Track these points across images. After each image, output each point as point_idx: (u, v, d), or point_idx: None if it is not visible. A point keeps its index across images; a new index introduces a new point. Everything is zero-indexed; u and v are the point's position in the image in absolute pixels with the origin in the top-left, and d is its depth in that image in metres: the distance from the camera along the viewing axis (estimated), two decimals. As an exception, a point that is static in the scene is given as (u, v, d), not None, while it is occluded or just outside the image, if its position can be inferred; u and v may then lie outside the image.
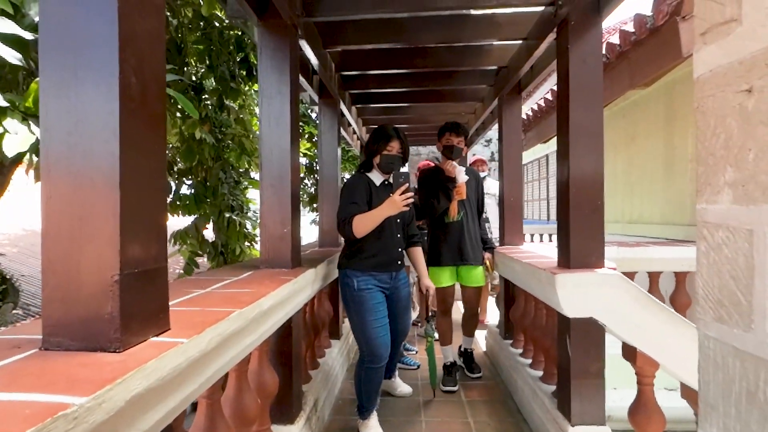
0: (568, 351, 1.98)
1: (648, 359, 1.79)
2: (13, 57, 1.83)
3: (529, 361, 2.76)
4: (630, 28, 3.49)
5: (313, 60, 2.69)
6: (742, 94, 0.48)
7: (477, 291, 3.03)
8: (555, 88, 4.76)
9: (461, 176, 2.88)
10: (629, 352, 1.85)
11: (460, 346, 3.30)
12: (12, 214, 10.92)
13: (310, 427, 2.11)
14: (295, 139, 2.08)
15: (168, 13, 3.53)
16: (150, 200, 0.88)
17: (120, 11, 0.80)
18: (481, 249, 3.05)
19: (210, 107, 4.28)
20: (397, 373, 2.87)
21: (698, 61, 0.54)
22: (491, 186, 4.57)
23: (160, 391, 0.79)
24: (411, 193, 2.10)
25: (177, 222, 4.74)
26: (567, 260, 2.01)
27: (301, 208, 9.15)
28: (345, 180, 2.36)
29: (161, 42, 0.92)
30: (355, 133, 5.15)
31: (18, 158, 2.36)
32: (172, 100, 3.34)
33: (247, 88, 4.63)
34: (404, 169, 2.36)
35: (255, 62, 4.15)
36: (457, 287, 3.07)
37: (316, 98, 3.42)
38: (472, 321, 3.16)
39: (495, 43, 3.11)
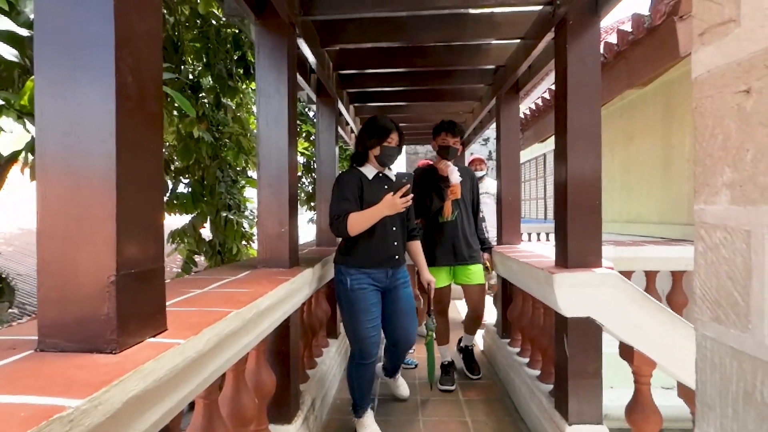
0: (566, 350, 1.98)
1: (645, 358, 1.79)
2: (9, 54, 1.82)
3: (527, 360, 2.77)
4: (628, 27, 3.50)
5: (311, 59, 2.68)
6: (740, 95, 0.48)
7: (480, 289, 2.99)
8: (553, 87, 4.77)
9: (454, 176, 2.87)
10: (626, 352, 1.85)
11: (459, 341, 3.29)
12: (7, 212, 10.88)
13: (307, 426, 2.11)
14: (293, 139, 2.07)
15: (165, 11, 3.52)
16: (147, 200, 0.88)
17: (116, 10, 0.80)
18: (479, 248, 3.05)
19: (207, 106, 4.27)
20: (400, 372, 2.79)
21: (696, 61, 0.54)
22: (490, 185, 4.57)
23: (157, 392, 0.79)
24: (411, 195, 2.08)
25: (174, 221, 4.73)
26: (565, 260, 2.02)
27: (299, 207, 9.17)
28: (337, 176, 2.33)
29: (158, 41, 0.92)
30: (353, 131, 5.15)
31: (13, 157, 2.34)
32: (168, 99, 3.34)
33: (244, 86, 4.62)
34: (401, 168, 2.34)
35: (252, 60, 4.14)
36: (457, 288, 3.07)
37: (313, 97, 3.42)
38: (475, 322, 3.12)
39: (493, 42, 3.11)
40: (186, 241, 4.44)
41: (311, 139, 7.91)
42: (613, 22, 7.34)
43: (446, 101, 4.48)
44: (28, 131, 1.88)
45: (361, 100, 4.44)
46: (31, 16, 1.97)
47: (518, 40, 2.81)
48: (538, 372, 2.56)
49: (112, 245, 0.78)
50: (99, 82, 0.79)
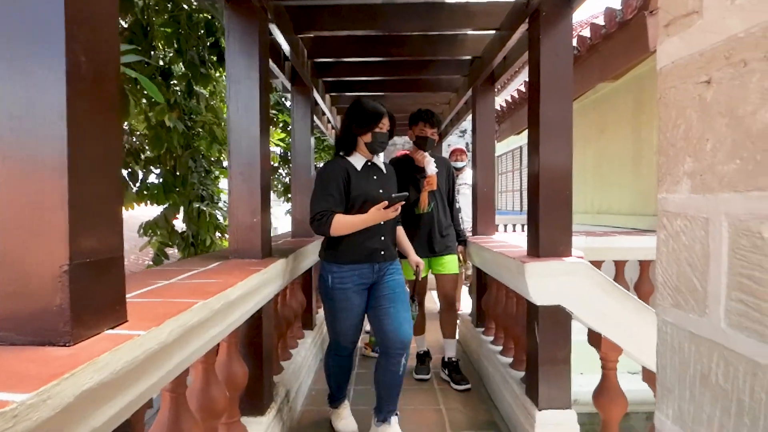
0: (537, 338, 2.02)
1: (612, 345, 1.84)
2: None
3: (500, 348, 2.82)
4: (601, 21, 3.55)
5: (285, 45, 2.62)
6: (701, 85, 0.48)
7: (452, 279, 2.98)
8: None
9: (431, 167, 2.83)
10: (595, 338, 1.90)
11: (443, 358, 3.00)
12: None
13: (281, 418, 2.09)
14: (265, 126, 2.02)
15: (132, -7, 3.37)
16: (103, 187, 0.84)
17: (68, -15, 0.75)
18: (455, 239, 3.05)
19: (179, 93, 4.13)
20: (396, 419, 2.15)
21: (661, 52, 0.55)
22: (470, 176, 4.59)
23: (114, 385, 0.76)
24: (402, 203, 1.98)
25: (146, 212, 4.60)
26: (536, 249, 2.05)
27: (276, 198, 9.04)
28: (318, 167, 2.22)
29: (114, 20, 0.87)
30: (329, 122, 5.09)
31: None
32: (138, 86, 3.21)
33: (218, 74, 4.48)
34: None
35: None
36: (431, 278, 3.08)
37: (288, 85, 3.35)
38: (450, 316, 3.02)
39: (469, 32, 3.10)
40: (159, 233, 4.32)
41: (288, 129, 7.80)
42: (588, 17, 7.45)
43: (423, 92, 4.47)
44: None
45: (338, 90, 4.38)
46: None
47: (494, 31, 2.81)
48: (510, 360, 2.60)
49: (65, 233, 0.74)
50: (49, 63, 0.74)
